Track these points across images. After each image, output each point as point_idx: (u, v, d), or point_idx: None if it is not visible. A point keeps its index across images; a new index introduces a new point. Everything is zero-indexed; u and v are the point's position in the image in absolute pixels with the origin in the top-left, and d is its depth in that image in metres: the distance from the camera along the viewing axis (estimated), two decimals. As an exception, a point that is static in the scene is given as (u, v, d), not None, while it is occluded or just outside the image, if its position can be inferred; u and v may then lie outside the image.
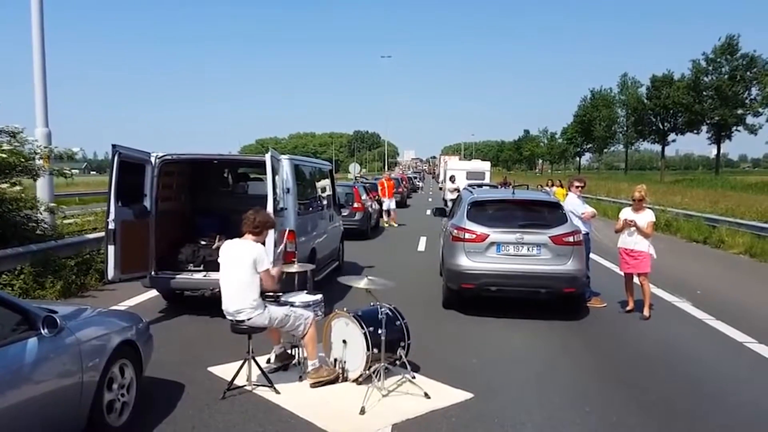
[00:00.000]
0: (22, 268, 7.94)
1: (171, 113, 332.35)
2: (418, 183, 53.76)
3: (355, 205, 15.75)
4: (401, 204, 29.48)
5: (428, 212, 22.24)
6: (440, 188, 36.27)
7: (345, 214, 13.01)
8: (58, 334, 3.37)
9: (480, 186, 17.48)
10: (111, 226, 6.56)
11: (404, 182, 34.39)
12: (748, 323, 7.13)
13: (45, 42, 9.99)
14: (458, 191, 10.91)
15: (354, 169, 41.32)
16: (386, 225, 19.75)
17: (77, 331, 3.61)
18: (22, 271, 7.88)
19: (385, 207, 20.27)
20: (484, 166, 32.32)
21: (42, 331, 3.27)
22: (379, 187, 20.75)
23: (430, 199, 36.91)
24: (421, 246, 14.52)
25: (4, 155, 8.23)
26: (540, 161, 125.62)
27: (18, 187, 8.82)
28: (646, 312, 7.43)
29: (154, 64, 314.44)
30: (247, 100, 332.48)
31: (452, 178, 21.40)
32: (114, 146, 6.52)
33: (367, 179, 33.18)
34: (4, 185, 8.52)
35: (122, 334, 4.06)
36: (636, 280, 7.68)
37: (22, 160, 8.68)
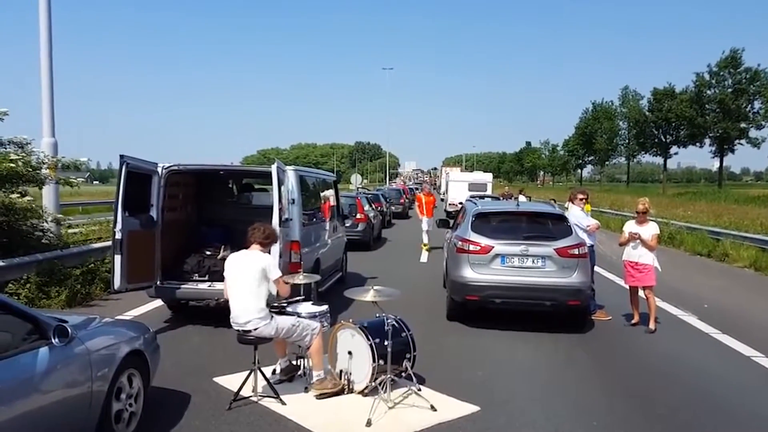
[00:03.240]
0: (28, 277, 7.98)
1: (171, 123, 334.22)
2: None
3: (358, 216, 15.78)
4: (403, 215, 29.58)
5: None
6: (442, 199, 36.22)
7: (347, 225, 13.03)
8: (68, 344, 3.39)
9: (481, 198, 17.42)
10: (118, 236, 6.59)
11: (405, 193, 34.89)
12: (755, 337, 7.11)
13: (53, 54, 10.10)
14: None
15: (356, 180, 41.51)
16: (426, 250, 15.53)
17: (87, 340, 3.63)
18: (28, 281, 7.92)
19: (424, 228, 15.98)
20: (486, 177, 32.46)
21: (53, 341, 3.29)
22: (416, 204, 17.55)
23: (432, 211, 36.85)
24: (424, 257, 14.53)
25: (12, 164, 8.30)
26: (541, 173, 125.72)
27: (28, 198, 8.89)
28: (651, 325, 7.41)
29: (154, 73, 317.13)
30: (248, 110, 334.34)
31: (522, 191, 17.79)
32: (122, 156, 6.56)
33: (368, 190, 33.31)
34: (14, 195, 8.58)
35: (130, 344, 4.08)
36: (641, 293, 7.66)
37: (29, 169, 8.76)
